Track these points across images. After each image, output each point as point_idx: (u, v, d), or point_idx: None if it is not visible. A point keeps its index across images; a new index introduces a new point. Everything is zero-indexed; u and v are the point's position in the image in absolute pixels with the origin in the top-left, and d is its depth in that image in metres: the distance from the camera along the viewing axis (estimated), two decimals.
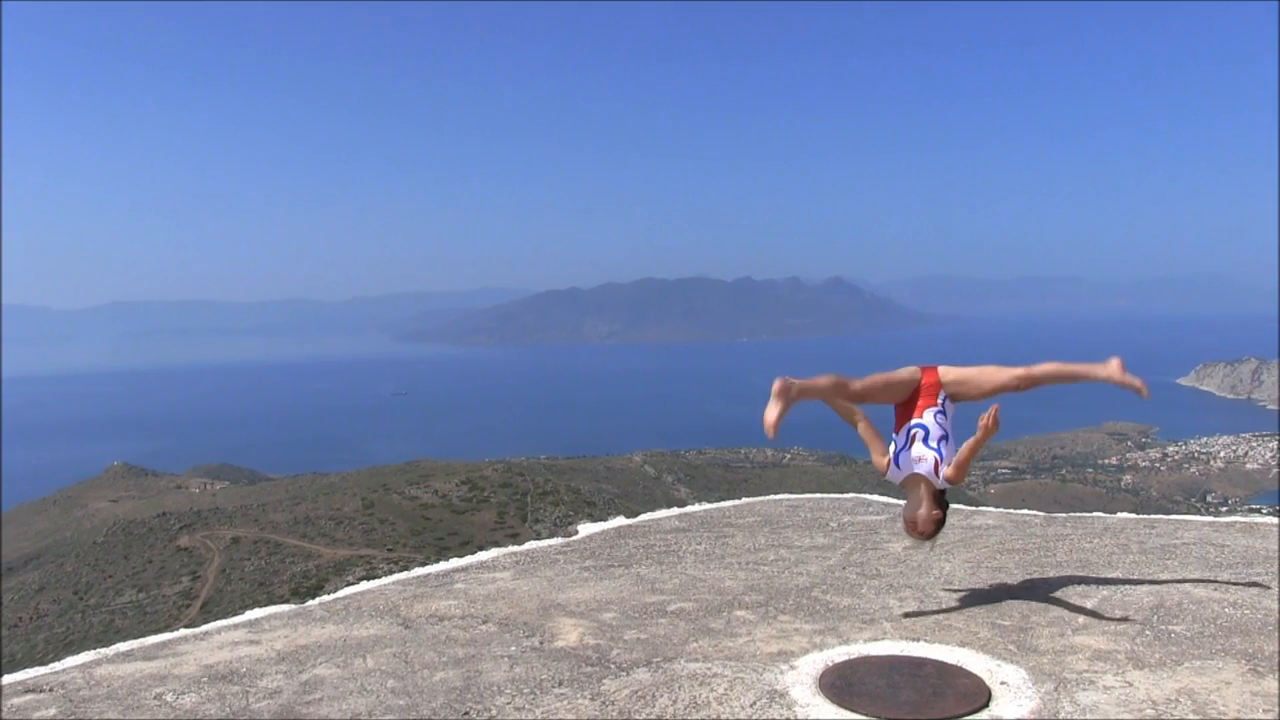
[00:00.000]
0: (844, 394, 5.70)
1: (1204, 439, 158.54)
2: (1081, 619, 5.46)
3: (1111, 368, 5.74)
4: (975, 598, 6.02)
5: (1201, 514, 10.51)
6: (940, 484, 5.51)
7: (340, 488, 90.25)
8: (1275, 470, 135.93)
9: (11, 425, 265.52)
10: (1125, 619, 5.39)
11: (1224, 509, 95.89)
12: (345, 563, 64.29)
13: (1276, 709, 4.11)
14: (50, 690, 4.91)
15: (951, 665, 4.78)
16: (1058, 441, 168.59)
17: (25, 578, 78.81)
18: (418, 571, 7.54)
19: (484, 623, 5.80)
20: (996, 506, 11.78)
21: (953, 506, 9.95)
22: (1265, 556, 6.97)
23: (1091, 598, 5.91)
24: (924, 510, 5.51)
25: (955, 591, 6.21)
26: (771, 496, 11.01)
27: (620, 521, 9.38)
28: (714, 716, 4.20)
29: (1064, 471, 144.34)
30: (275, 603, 7.37)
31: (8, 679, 5.19)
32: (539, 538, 9.54)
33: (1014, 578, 6.56)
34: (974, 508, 10.12)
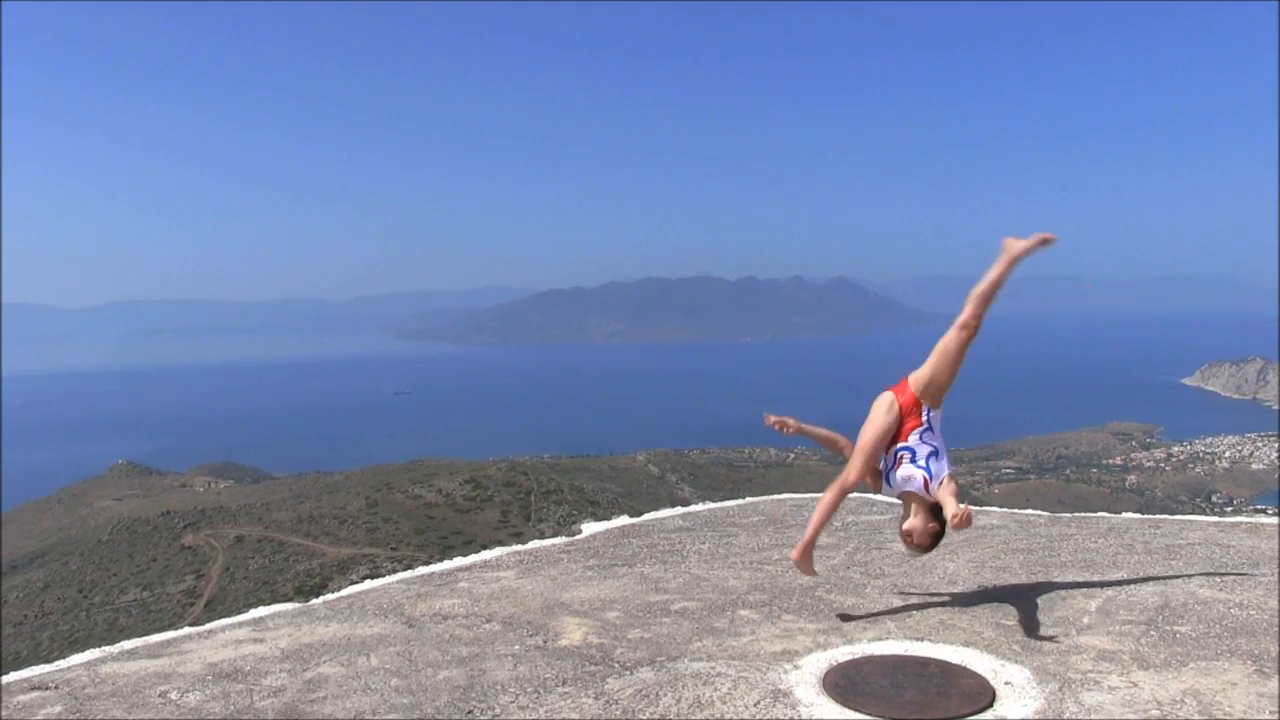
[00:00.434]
0: (839, 453, 5.92)
1: (1209, 439, 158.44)
2: (1086, 619, 5.45)
3: (1014, 248, 5.71)
4: (979, 598, 6.01)
5: (1207, 514, 10.50)
6: (931, 500, 5.52)
7: (344, 486, 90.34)
8: None
9: (15, 424, 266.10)
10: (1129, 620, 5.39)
11: (1229, 509, 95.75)
12: (349, 561, 64.39)
13: None
14: (55, 688, 4.91)
15: (956, 665, 4.78)
16: (1062, 441, 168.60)
17: (30, 576, 78.99)
18: (421, 570, 7.55)
19: (488, 622, 5.80)
20: (1000, 506, 11.77)
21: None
22: (1271, 557, 6.95)
23: (1096, 598, 5.91)
24: (919, 522, 5.52)
25: (959, 591, 6.21)
26: (775, 496, 11.00)
27: (624, 521, 9.38)
28: (718, 716, 4.20)
29: (1068, 471, 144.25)
30: (279, 601, 7.37)
31: (13, 676, 5.20)
32: (542, 537, 9.54)
33: (1018, 578, 6.55)
34: (978, 508, 10.09)
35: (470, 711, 4.32)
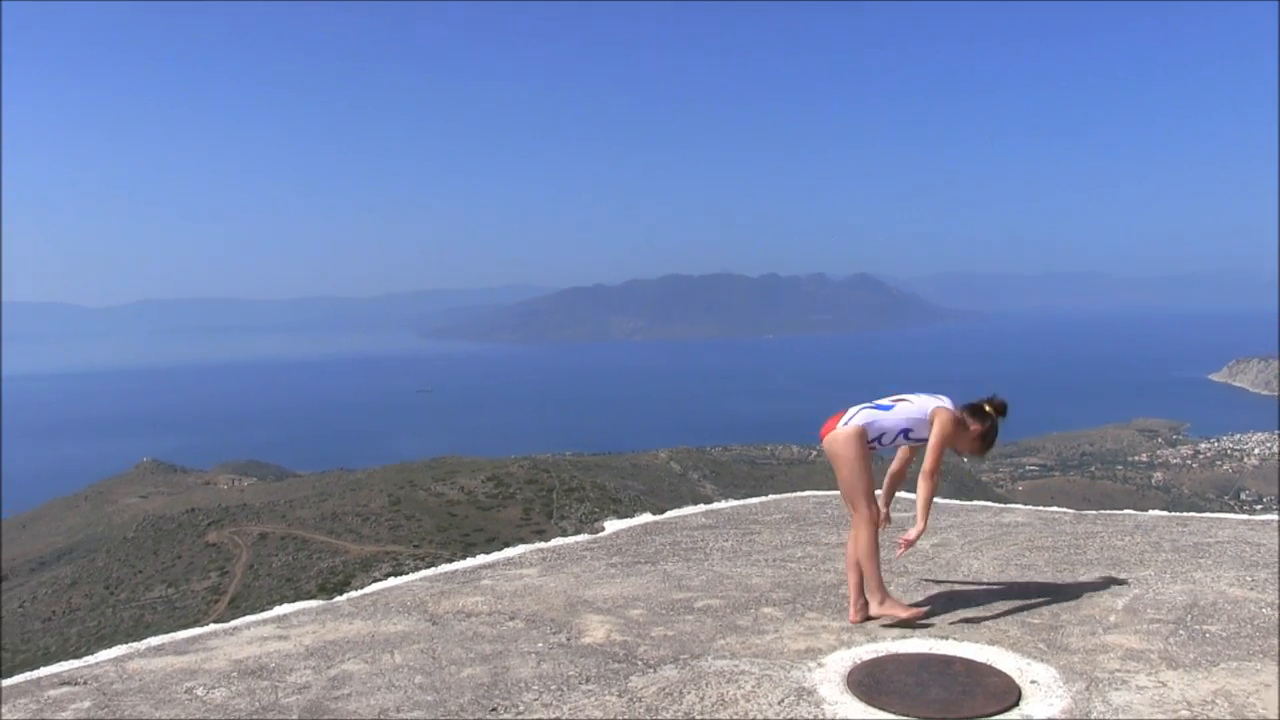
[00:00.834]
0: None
1: (1237, 435, 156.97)
2: (1113, 617, 5.41)
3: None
4: (1004, 595, 5.97)
5: (1235, 512, 10.40)
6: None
7: (367, 484, 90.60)
8: None
9: (42, 421, 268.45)
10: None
11: (1258, 507, 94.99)
12: (372, 559, 64.55)
13: None
14: (84, 683, 4.95)
15: (981, 663, 4.75)
16: (1087, 438, 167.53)
17: (58, 572, 79.63)
18: (445, 568, 7.57)
19: (511, 619, 5.81)
20: (1025, 504, 11.70)
21: (981, 504, 9.91)
22: None
23: (1123, 596, 5.86)
24: (964, 441, 5.54)
25: (984, 589, 6.17)
26: (798, 493, 10.97)
27: (647, 518, 9.38)
28: (742, 714, 4.19)
29: (1093, 468, 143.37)
30: (303, 598, 7.41)
31: (43, 672, 5.25)
32: (565, 534, 9.55)
33: (1044, 575, 6.51)
34: (1002, 505, 10.05)
35: (494, 709, 4.32)
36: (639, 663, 4.89)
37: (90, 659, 5.51)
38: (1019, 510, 9.61)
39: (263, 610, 6.52)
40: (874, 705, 4.28)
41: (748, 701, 4.31)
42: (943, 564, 6.92)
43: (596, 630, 5.50)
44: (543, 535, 42.83)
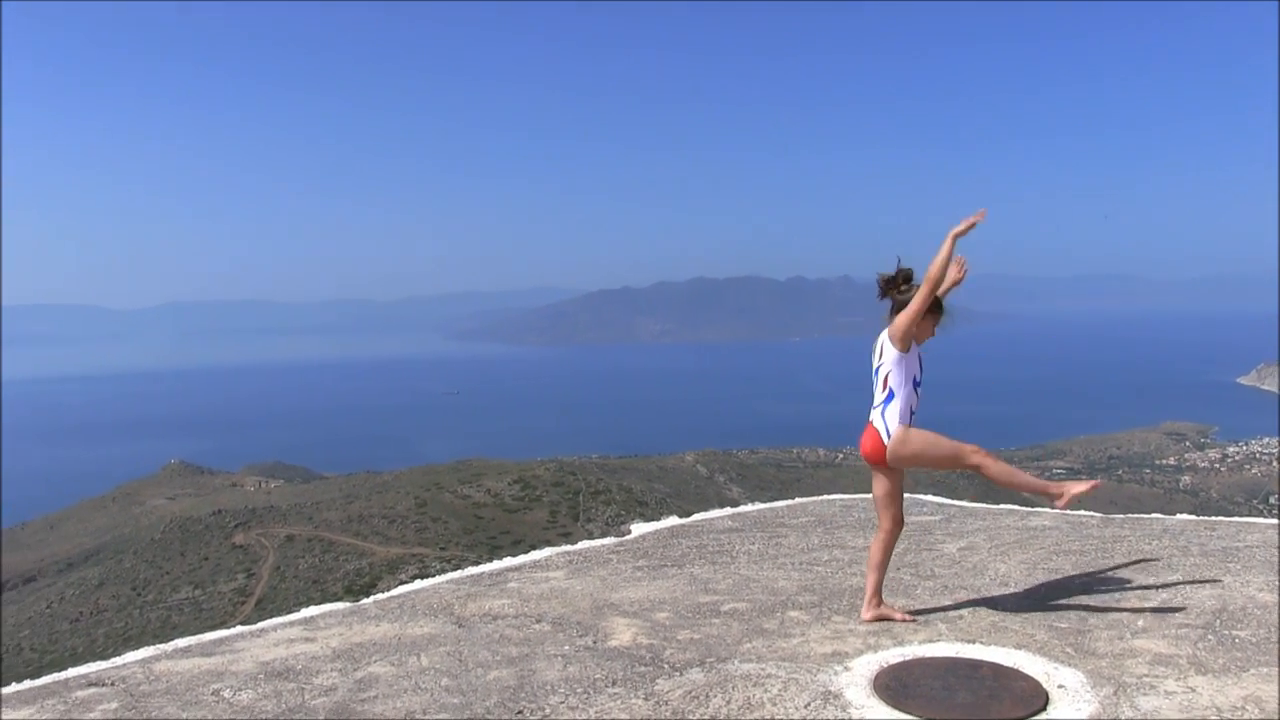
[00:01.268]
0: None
1: (1265, 439, 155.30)
2: (1141, 622, 5.37)
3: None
4: (1032, 599, 5.95)
5: (1265, 516, 10.31)
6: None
7: (393, 486, 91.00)
8: None
9: (71, 423, 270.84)
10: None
11: None
12: (398, 561, 64.80)
13: None
14: (112, 684, 5.00)
15: (1008, 667, 4.73)
16: (1114, 442, 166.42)
17: (86, 573, 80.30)
18: (471, 570, 7.59)
19: (537, 622, 5.82)
20: (1052, 507, 11.62)
21: (1008, 507, 9.86)
22: None
23: (1151, 600, 5.82)
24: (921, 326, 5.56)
25: (1011, 593, 6.14)
26: (825, 496, 10.95)
27: (673, 521, 9.38)
28: (768, 717, 4.19)
29: (1120, 472, 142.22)
30: (329, 600, 7.45)
31: (71, 673, 5.30)
32: (591, 537, 9.56)
33: (1071, 579, 6.47)
34: (1029, 509, 9.99)
35: (520, 711, 4.33)
36: (665, 666, 4.90)
37: (117, 660, 5.56)
38: (1046, 514, 9.54)
39: (289, 612, 6.56)
40: (900, 709, 4.27)
41: (774, 705, 4.30)
42: (970, 567, 6.89)
43: (623, 633, 5.50)
44: (569, 538, 42.90)
